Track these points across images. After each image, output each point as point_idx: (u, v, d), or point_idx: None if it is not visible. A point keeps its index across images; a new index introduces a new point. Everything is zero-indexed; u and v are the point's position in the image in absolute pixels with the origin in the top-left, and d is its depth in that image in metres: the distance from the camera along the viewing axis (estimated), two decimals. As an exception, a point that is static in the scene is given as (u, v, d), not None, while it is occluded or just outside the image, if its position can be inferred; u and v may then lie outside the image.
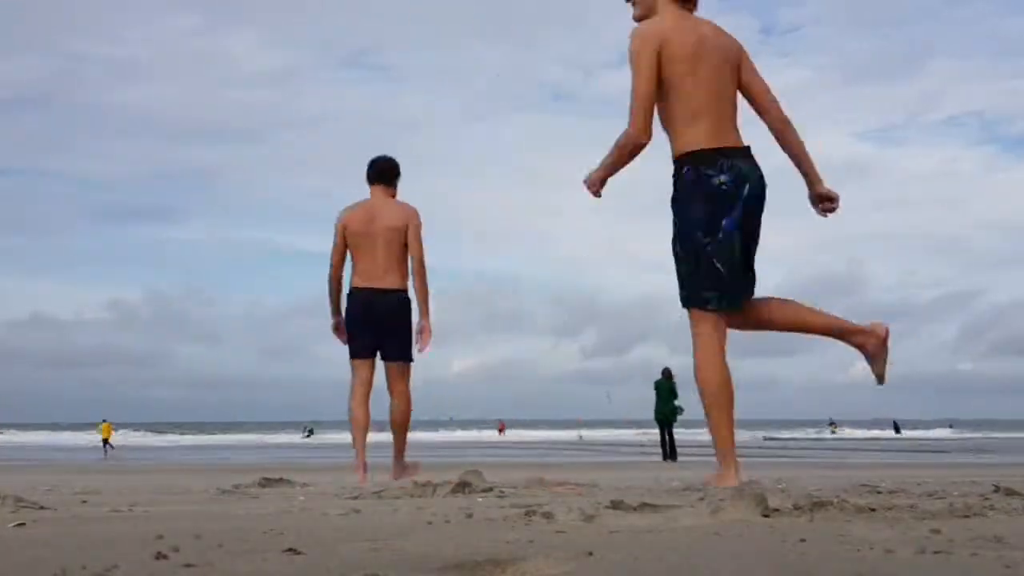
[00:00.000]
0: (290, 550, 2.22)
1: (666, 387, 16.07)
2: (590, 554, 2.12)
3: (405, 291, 6.49)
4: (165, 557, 2.13)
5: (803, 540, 2.38)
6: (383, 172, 6.61)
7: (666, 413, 15.90)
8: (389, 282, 6.38)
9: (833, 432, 43.39)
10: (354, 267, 6.52)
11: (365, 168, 6.69)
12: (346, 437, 7.07)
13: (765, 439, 40.77)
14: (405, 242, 6.37)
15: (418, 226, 6.29)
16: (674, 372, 16.26)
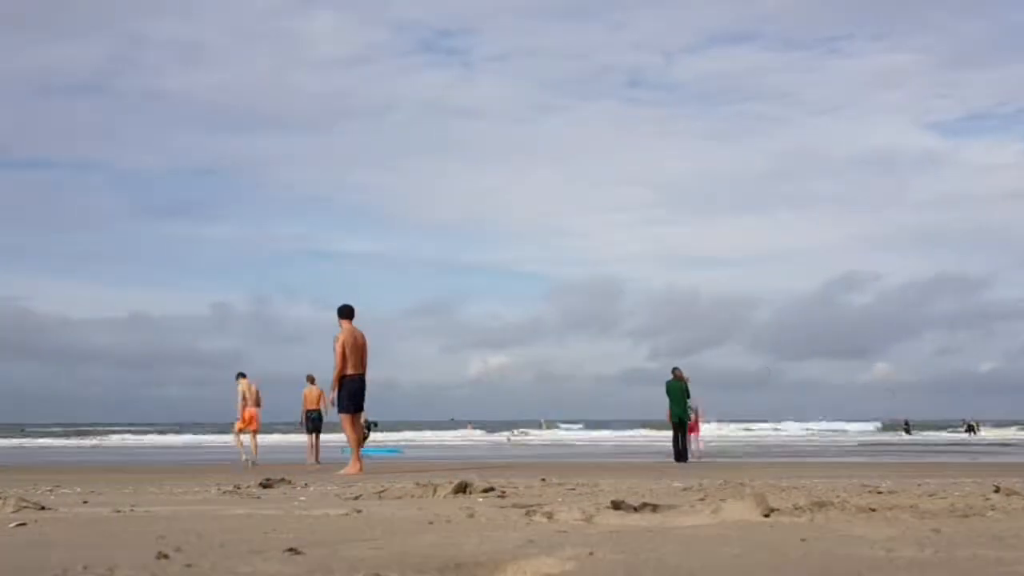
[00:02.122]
0: (291, 550, 2.23)
1: (679, 388, 15.94)
2: (590, 554, 2.12)
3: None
4: (166, 557, 2.14)
5: (803, 540, 2.38)
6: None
7: (681, 415, 15.78)
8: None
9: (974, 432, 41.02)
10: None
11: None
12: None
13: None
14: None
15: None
16: (685, 372, 16.10)
